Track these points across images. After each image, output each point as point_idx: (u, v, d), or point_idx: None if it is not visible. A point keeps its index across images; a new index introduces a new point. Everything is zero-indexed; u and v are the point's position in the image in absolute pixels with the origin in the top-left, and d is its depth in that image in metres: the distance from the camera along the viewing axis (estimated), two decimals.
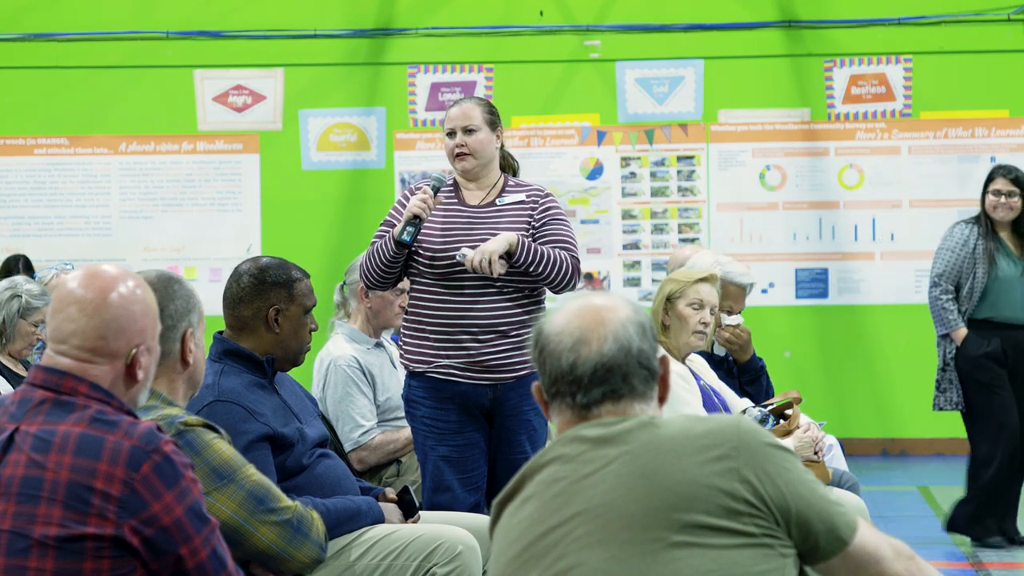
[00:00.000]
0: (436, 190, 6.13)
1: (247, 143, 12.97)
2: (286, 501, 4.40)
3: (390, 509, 5.08)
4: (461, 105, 6.30)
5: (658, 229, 12.88)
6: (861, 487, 6.70)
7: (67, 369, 3.37)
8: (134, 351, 3.41)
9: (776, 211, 12.82)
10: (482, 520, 5.25)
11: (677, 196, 12.90)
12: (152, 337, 3.47)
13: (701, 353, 6.67)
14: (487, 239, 6.06)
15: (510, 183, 6.33)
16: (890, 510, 9.80)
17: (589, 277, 12.87)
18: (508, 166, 6.43)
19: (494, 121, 6.28)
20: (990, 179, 8.80)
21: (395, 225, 6.11)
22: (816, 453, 6.10)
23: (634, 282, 12.82)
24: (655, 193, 12.89)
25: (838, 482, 6.49)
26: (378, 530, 4.93)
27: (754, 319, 7.51)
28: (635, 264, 12.88)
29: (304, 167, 12.94)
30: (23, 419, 3.34)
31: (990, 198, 8.76)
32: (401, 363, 6.30)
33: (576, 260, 6.25)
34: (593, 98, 12.85)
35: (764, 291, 12.64)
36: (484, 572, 4.88)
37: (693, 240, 12.69)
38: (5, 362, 7.42)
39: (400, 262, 6.09)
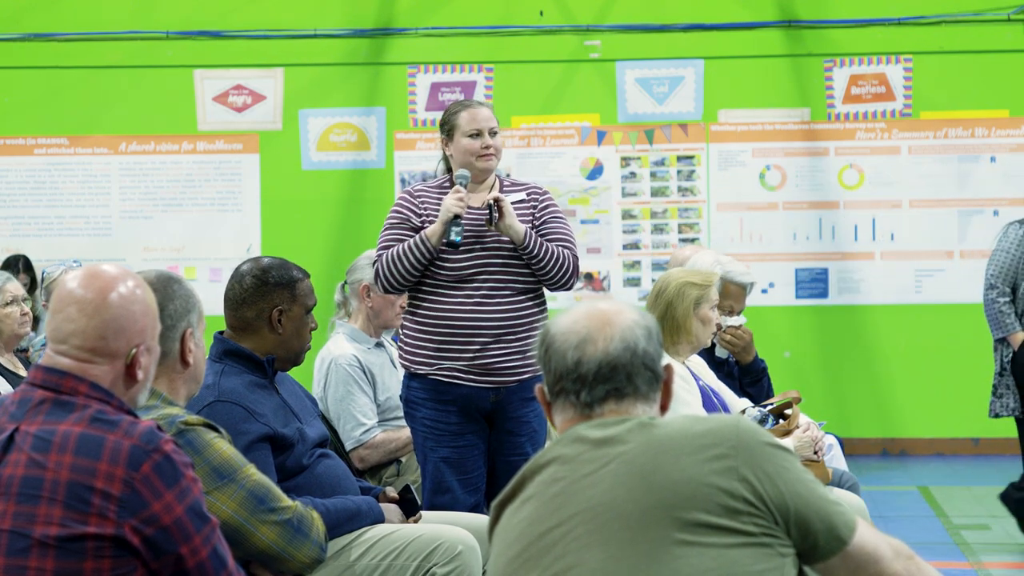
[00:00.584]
0: (464, 187, 6.18)
1: (247, 143, 12.96)
2: (286, 501, 4.40)
3: (390, 509, 5.08)
4: (482, 107, 6.34)
5: (658, 229, 12.87)
6: (861, 487, 6.69)
7: (67, 369, 3.38)
8: (134, 351, 3.42)
9: (776, 211, 12.82)
10: (482, 520, 5.27)
11: (677, 196, 12.89)
12: (152, 337, 3.48)
13: (700, 353, 6.68)
14: (494, 240, 6.12)
15: (506, 183, 6.35)
16: (890, 510, 9.79)
17: (589, 277, 12.86)
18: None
19: None
20: None
21: (405, 228, 6.14)
22: (816, 453, 6.09)
23: (634, 282, 12.81)
24: (655, 193, 12.89)
25: (838, 482, 6.49)
26: (378, 530, 4.93)
27: (754, 319, 7.51)
28: (635, 264, 12.87)
29: (304, 167, 12.93)
30: (23, 419, 3.36)
31: None
32: (401, 364, 6.29)
33: (576, 258, 6.31)
34: (593, 98, 12.84)
35: (764, 291, 12.62)
36: (484, 572, 4.88)
37: (693, 240, 12.68)
38: (4, 363, 7.42)
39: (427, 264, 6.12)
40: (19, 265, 11.68)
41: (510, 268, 6.17)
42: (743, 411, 6.30)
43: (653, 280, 12.56)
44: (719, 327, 7.16)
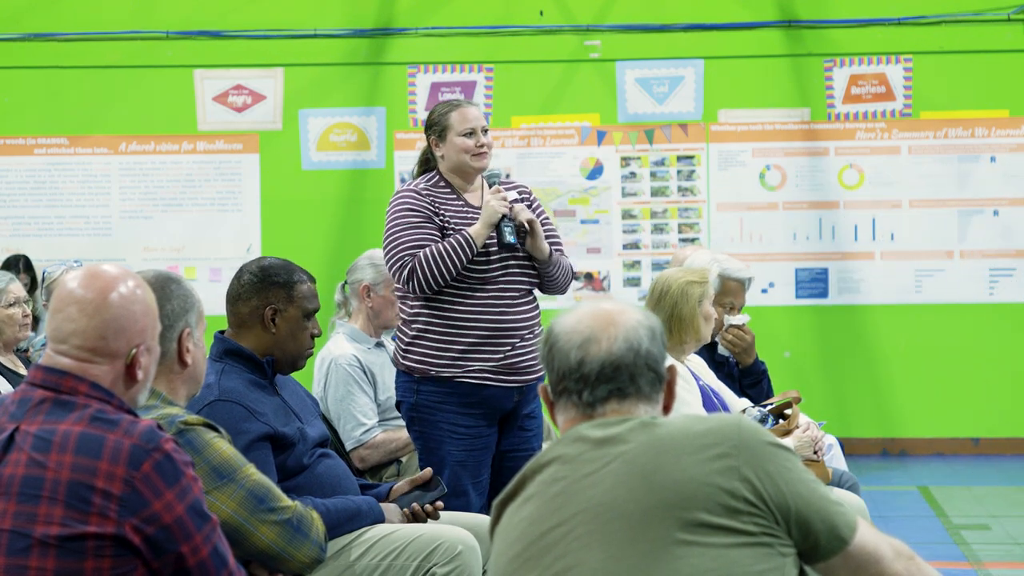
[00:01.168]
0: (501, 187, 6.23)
1: (247, 143, 12.95)
2: (286, 501, 4.40)
3: (390, 509, 5.08)
4: (472, 106, 6.33)
5: (658, 229, 12.87)
6: (861, 487, 6.70)
7: (67, 369, 3.38)
8: (134, 351, 3.42)
9: (776, 211, 12.81)
10: (482, 520, 5.27)
11: (677, 196, 12.89)
12: (152, 337, 3.49)
13: (700, 353, 6.69)
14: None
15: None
16: (890, 510, 9.79)
17: (589, 277, 12.86)
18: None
19: None
20: None
21: (431, 227, 6.09)
22: (816, 452, 6.11)
23: (634, 282, 12.81)
24: (655, 193, 12.88)
25: (838, 482, 6.50)
26: (378, 530, 4.93)
27: (754, 319, 7.50)
28: (635, 264, 12.86)
29: (304, 167, 12.92)
30: (23, 419, 3.36)
31: None
32: (409, 368, 6.18)
33: (570, 263, 6.37)
34: (593, 98, 12.84)
35: (764, 291, 12.63)
36: (484, 572, 4.88)
37: (693, 240, 12.68)
38: (5, 362, 7.42)
39: None
40: (19, 265, 11.67)
41: (524, 269, 6.21)
42: (743, 411, 6.31)
43: (652, 279, 12.56)
44: (722, 326, 7.18)
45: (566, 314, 3.21)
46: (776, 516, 2.98)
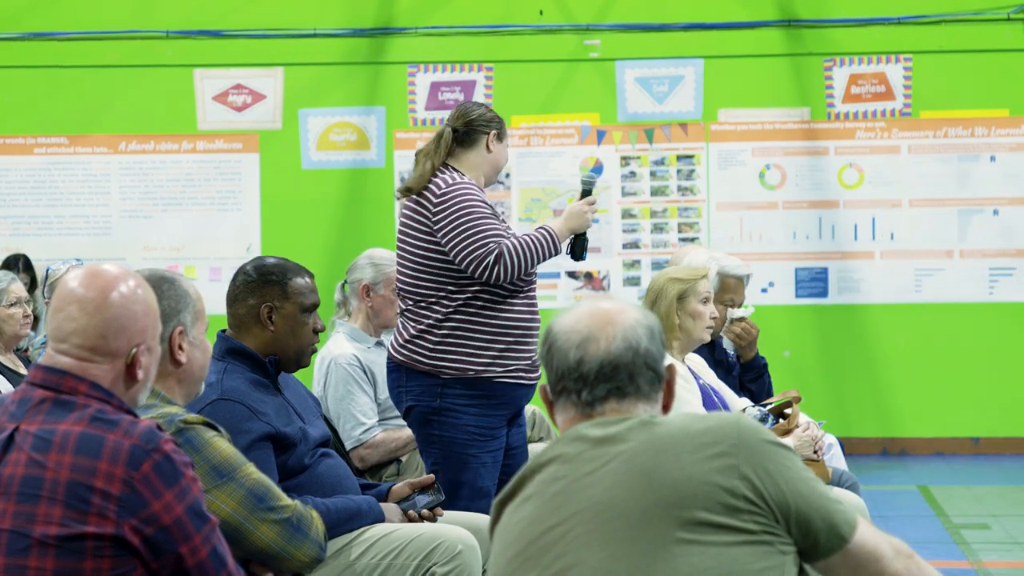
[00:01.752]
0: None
1: (247, 142, 12.95)
2: (286, 500, 4.39)
3: (390, 509, 5.08)
4: None
5: (658, 228, 12.87)
6: (861, 486, 6.69)
7: (67, 368, 3.37)
8: (134, 350, 3.42)
9: (776, 210, 12.81)
10: (482, 519, 5.26)
11: (677, 195, 12.89)
12: (153, 337, 3.48)
13: (701, 350, 6.69)
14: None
15: None
16: (890, 509, 9.78)
17: (589, 276, 12.86)
18: None
19: None
20: None
21: (499, 222, 6.09)
22: (815, 452, 6.11)
23: (634, 281, 12.81)
24: (655, 192, 12.89)
25: (837, 481, 6.50)
26: (378, 529, 4.93)
27: (754, 318, 7.52)
28: (635, 263, 12.87)
29: (304, 166, 12.92)
30: (23, 418, 3.35)
31: None
32: (432, 369, 6.07)
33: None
34: (593, 97, 12.84)
35: (764, 290, 12.63)
36: (484, 571, 4.87)
37: (693, 239, 12.68)
38: (5, 361, 7.42)
39: None
40: (19, 265, 11.67)
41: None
42: (743, 410, 6.31)
43: (651, 278, 12.56)
44: (723, 323, 7.19)
45: (565, 313, 3.20)
46: (776, 514, 2.98)
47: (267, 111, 12.94)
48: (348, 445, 6.88)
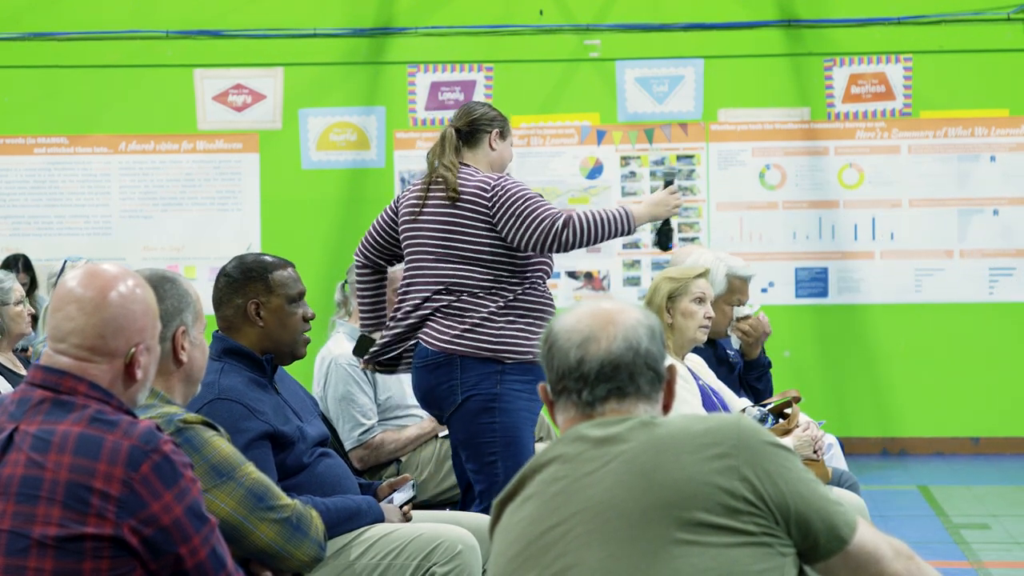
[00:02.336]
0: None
1: (247, 142, 12.95)
2: (285, 499, 4.38)
3: (390, 509, 5.07)
4: None
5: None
6: (861, 486, 6.68)
7: (66, 368, 3.37)
8: (133, 350, 3.41)
9: (776, 210, 12.81)
10: (482, 519, 5.25)
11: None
12: (152, 337, 3.47)
13: (704, 349, 6.68)
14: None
15: None
16: (890, 509, 9.77)
17: (589, 276, 12.86)
18: None
19: None
20: None
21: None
22: (815, 452, 6.09)
23: (634, 282, 12.81)
24: (655, 192, 12.87)
25: (837, 481, 6.49)
26: (378, 529, 4.91)
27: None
28: (635, 263, 12.86)
29: (304, 166, 12.92)
30: (22, 419, 3.34)
31: None
32: (493, 354, 6.07)
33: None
34: (593, 97, 12.83)
35: (764, 290, 12.63)
36: (484, 571, 4.85)
37: (693, 240, 12.67)
38: (4, 362, 7.42)
39: None
40: (19, 264, 11.67)
41: None
42: (743, 410, 6.29)
43: (652, 279, 12.56)
44: (732, 320, 7.21)
45: (565, 313, 3.20)
46: (776, 516, 2.97)
47: (267, 111, 12.94)
48: (347, 445, 6.88)
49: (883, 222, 12.70)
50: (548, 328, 3.20)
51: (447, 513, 5.60)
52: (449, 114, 12.71)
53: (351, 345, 7.02)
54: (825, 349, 12.69)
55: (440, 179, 6.24)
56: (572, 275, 12.86)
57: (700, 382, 6.19)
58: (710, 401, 6.12)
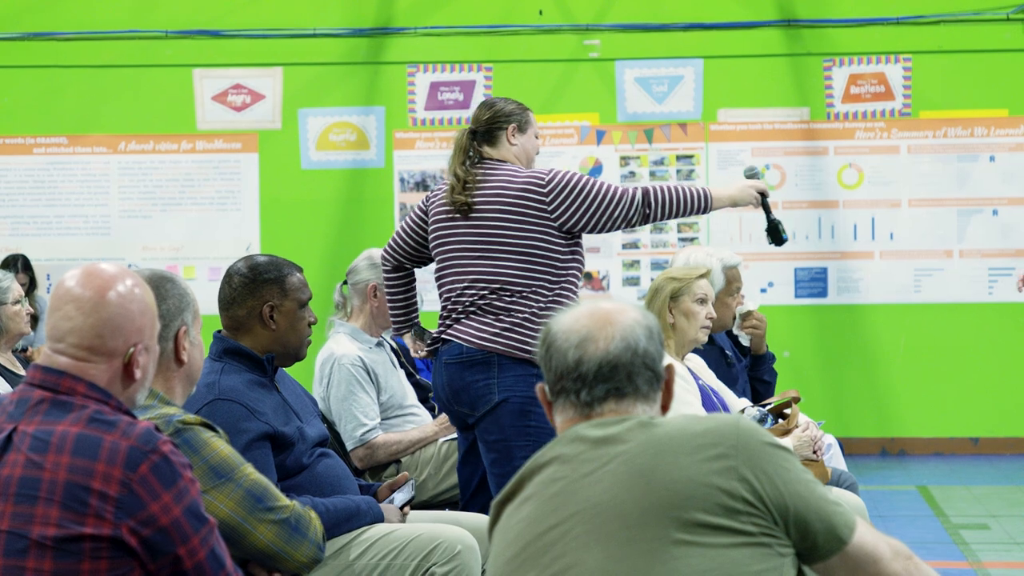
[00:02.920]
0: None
1: (246, 142, 12.94)
2: (284, 500, 4.38)
3: (389, 509, 5.07)
4: None
5: (657, 228, 12.86)
6: (860, 487, 6.71)
7: (65, 368, 3.37)
8: (132, 350, 3.41)
9: (775, 210, 12.77)
10: (481, 520, 5.26)
11: None
12: (151, 337, 3.47)
13: (707, 347, 6.69)
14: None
15: None
16: (889, 510, 9.79)
17: (588, 276, 12.85)
18: None
19: None
20: None
21: None
22: (815, 452, 6.07)
23: (633, 281, 12.79)
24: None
25: (837, 481, 6.50)
26: (377, 529, 4.92)
27: None
28: (634, 264, 12.85)
29: (303, 166, 12.90)
30: (21, 419, 3.34)
31: None
32: (531, 356, 6.04)
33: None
34: (592, 97, 12.82)
35: (763, 290, 12.63)
36: (483, 571, 4.85)
37: (692, 240, 12.66)
38: (3, 362, 7.41)
39: None
40: (18, 264, 11.67)
41: None
42: (742, 410, 6.29)
43: (652, 279, 12.56)
44: (733, 318, 7.22)
45: (563, 313, 3.20)
46: (774, 516, 2.97)
47: (266, 111, 12.92)
48: (349, 445, 6.87)
49: (882, 222, 12.68)
50: (546, 328, 3.20)
51: (446, 513, 5.60)
52: (449, 114, 12.93)
53: (354, 345, 7.07)
54: (824, 349, 12.68)
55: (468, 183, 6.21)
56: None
57: (700, 382, 6.18)
58: (710, 401, 6.12)
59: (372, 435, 6.95)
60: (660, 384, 3.17)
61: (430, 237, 6.28)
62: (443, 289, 6.19)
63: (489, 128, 6.34)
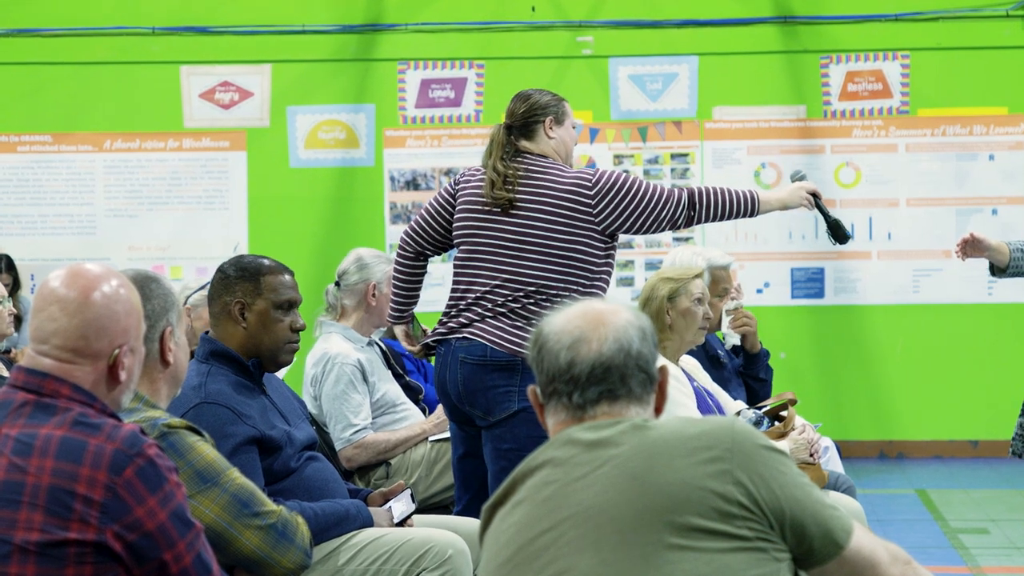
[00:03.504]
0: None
1: (234, 140, 12.97)
2: (271, 505, 4.37)
3: (379, 513, 5.07)
4: None
5: None
6: (857, 490, 6.74)
7: (48, 370, 3.35)
8: (116, 352, 3.39)
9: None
10: (472, 524, 5.24)
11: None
12: (136, 338, 3.46)
13: (696, 348, 6.66)
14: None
15: None
16: (887, 513, 9.83)
17: None
18: None
19: None
20: None
21: None
22: (811, 455, 6.15)
23: (627, 282, 12.80)
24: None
25: (834, 485, 6.56)
26: (367, 534, 4.92)
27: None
28: (628, 264, 12.86)
29: (292, 164, 12.95)
30: (4, 422, 3.32)
31: None
32: None
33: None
34: (586, 95, 12.82)
35: (759, 291, 12.67)
36: None
37: (687, 240, 12.66)
38: None
39: None
40: (1, 264, 11.69)
41: None
42: (738, 413, 6.34)
43: (646, 280, 12.55)
44: (722, 313, 7.24)
45: (555, 314, 3.18)
46: (770, 520, 2.95)
47: (254, 108, 12.95)
48: (338, 445, 6.89)
49: (880, 221, 12.70)
50: (537, 329, 3.18)
51: (437, 518, 5.61)
52: (440, 112, 12.93)
53: (348, 345, 7.06)
54: (821, 351, 12.72)
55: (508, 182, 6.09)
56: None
57: (695, 384, 6.22)
58: (705, 403, 6.15)
59: (361, 435, 6.92)
60: (654, 386, 3.15)
61: (457, 226, 6.16)
62: (466, 283, 6.08)
63: (526, 122, 6.22)
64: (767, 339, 7.73)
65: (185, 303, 6.99)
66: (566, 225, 5.98)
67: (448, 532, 4.98)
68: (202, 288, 8.12)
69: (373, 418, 6.99)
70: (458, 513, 6.11)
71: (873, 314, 12.69)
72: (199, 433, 4.16)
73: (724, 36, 12.72)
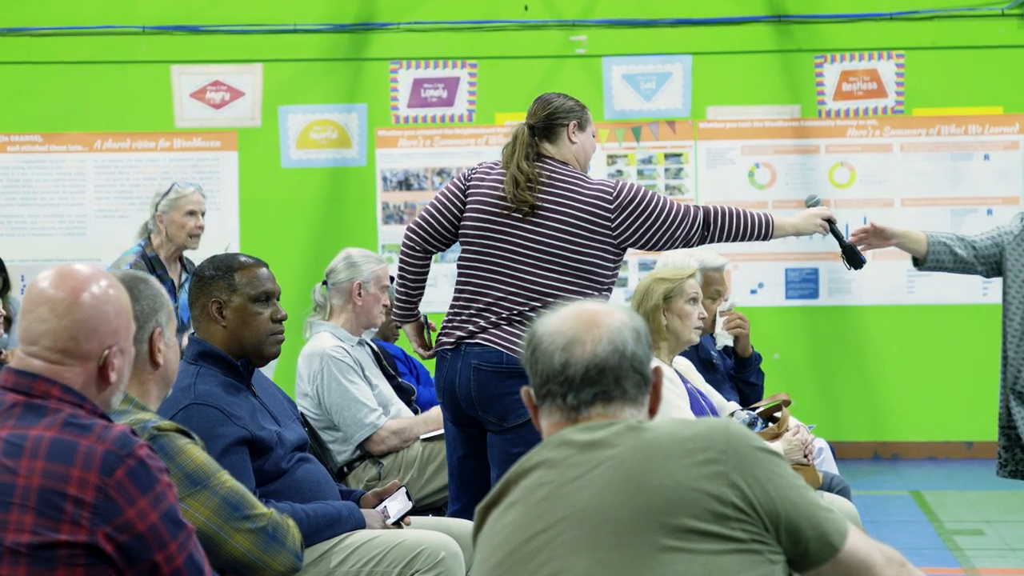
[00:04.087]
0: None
1: (225, 140, 12.95)
2: (261, 508, 4.37)
3: (371, 514, 5.07)
4: None
5: None
6: (852, 491, 6.79)
7: (38, 371, 3.36)
8: (106, 352, 3.40)
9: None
10: (465, 525, 5.23)
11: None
12: (126, 339, 3.47)
13: (688, 350, 6.65)
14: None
15: None
16: (882, 515, 9.82)
17: None
18: None
19: None
20: None
21: None
22: (806, 456, 6.19)
23: (621, 282, 12.78)
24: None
25: (828, 486, 6.62)
26: (359, 536, 4.93)
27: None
28: (622, 264, 12.83)
29: (283, 165, 12.93)
30: None
31: None
32: None
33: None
34: (579, 94, 12.47)
35: (753, 291, 12.67)
36: None
37: None
38: None
39: None
40: None
41: None
42: (732, 414, 6.39)
43: (640, 280, 12.53)
44: (715, 315, 7.24)
45: (549, 315, 3.18)
46: (765, 522, 2.96)
47: (246, 108, 12.94)
48: (363, 433, 6.86)
49: (875, 221, 12.65)
50: (531, 330, 3.18)
51: (430, 519, 5.65)
52: (432, 112, 12.90)
53: (337, 342, 7.05)
54: (816, 351, 12.72)
55: (529, 183, 6.04)
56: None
57: (688, 385, 6.25)
58: (698, 405, 6.16)
59: (383, 419, 6.92)
60: (648, 387, 3.16)
61: (467, 224, 6.10)
62: (475, 287, 6.04)
63: (549, 124, 6.17)
64: (761, 340, 7.73)
65: (156, 211, 7.04)
66: (584, 236, 5.96)
67: (440, 534, 4.99)
68: (167, 193, 8.98)
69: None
70: (454, 513, 6.11)
71: (867, 315, 12.68)
72: (189, 436, 4.17)
73: (718, 35, 12.71)
